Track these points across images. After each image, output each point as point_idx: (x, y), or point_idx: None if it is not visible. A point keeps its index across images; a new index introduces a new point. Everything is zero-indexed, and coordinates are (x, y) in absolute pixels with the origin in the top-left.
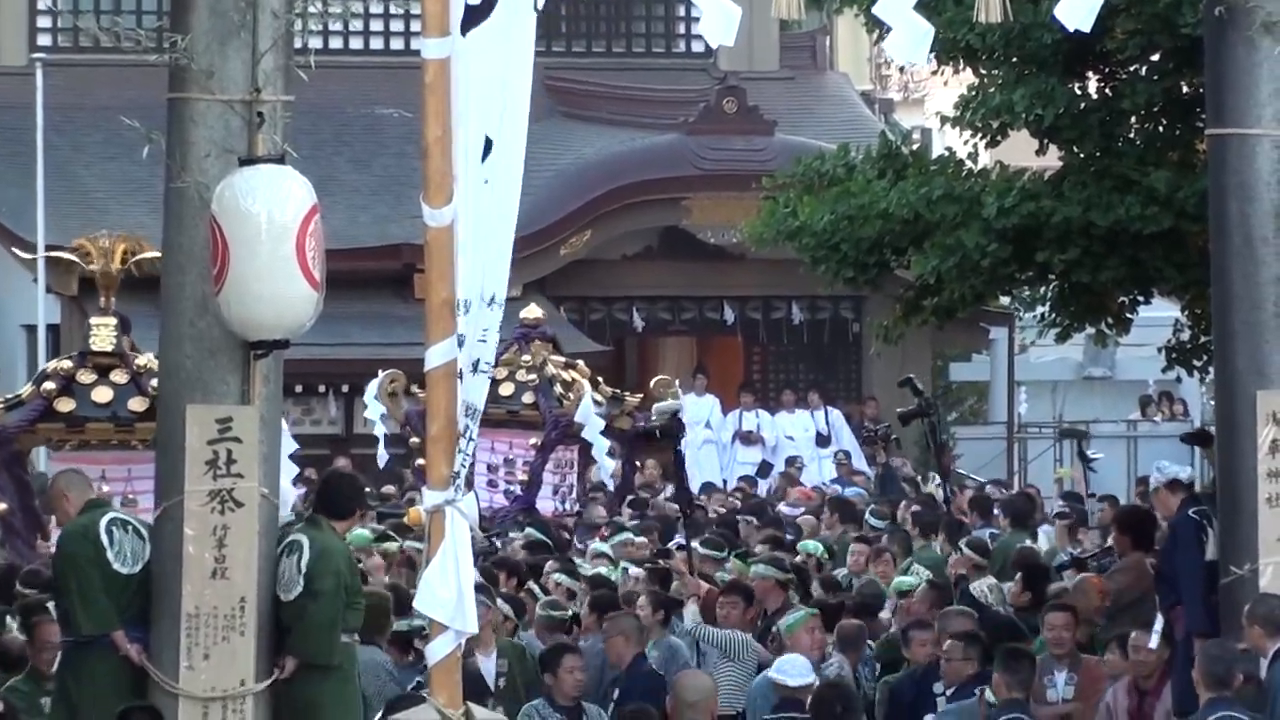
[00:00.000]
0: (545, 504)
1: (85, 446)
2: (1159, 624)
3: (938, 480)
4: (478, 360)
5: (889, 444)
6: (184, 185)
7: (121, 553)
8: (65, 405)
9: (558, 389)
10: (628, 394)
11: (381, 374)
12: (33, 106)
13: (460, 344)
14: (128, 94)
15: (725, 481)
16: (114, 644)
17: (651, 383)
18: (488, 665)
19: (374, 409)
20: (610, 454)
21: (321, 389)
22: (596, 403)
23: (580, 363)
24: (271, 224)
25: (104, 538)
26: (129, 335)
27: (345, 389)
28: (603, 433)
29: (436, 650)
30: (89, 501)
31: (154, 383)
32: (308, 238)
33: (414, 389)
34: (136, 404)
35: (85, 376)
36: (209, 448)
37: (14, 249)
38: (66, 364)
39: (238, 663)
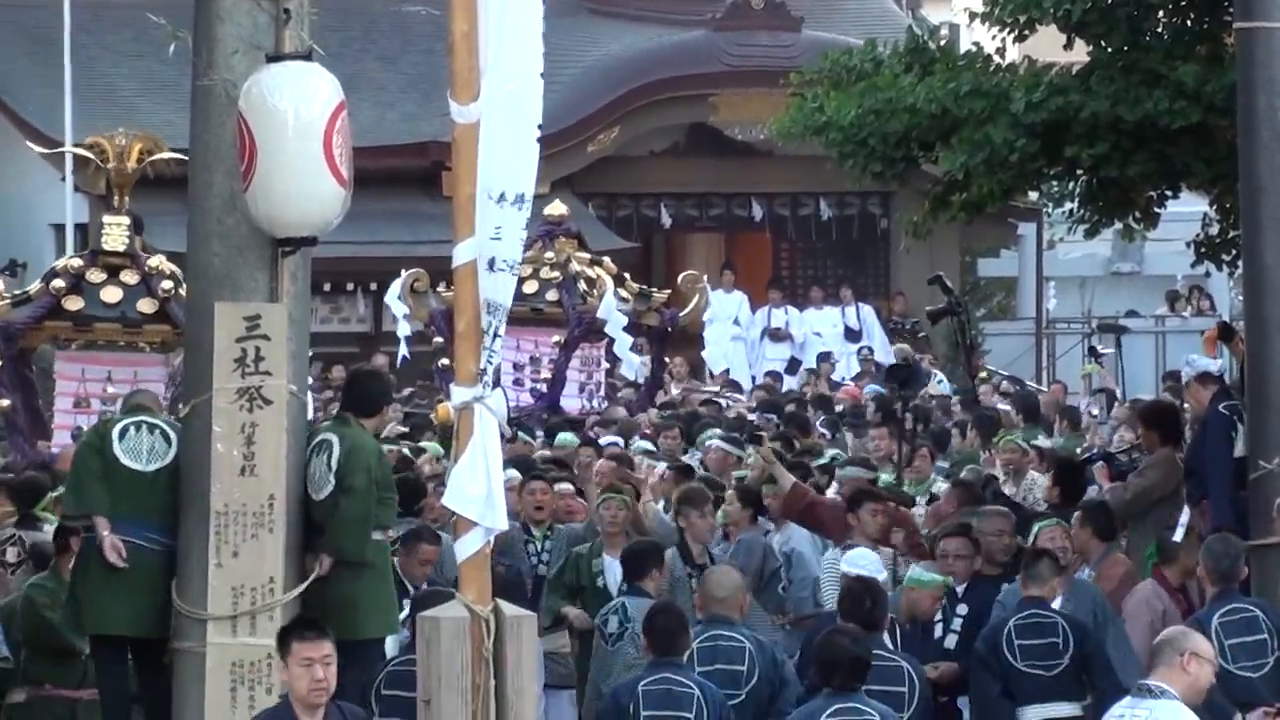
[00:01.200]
0: (572, 402)
1: (92, 346)
2: (1184, 517)
3: (940, 378)
4: (493, 258)
5: (917, 339)
6: (211, 83)
7: (135, 449)
8: (74, 304)
9: (581, 286)
10: (655, 290)
11: (405, 273)
12: (59, 4)
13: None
14: None
15: (753, 378)
16: (95, 528)
17: (679, 279)
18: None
19: (396, 308)
20: (634, 350)
21: (350, 287)
22: (622, 299)
23: (606, 259)
24: (299, 121)
25: (115, 433)
26: (142, 235)
27: (373, 287)
28: (629, 329)
29: (466, 546)
30: (132, 405)
31: (164, 284)
32: (335, 135)
33: (438, 288)
34: (145, 305)
35: (95, 275)
36: (237, 345)
37: (29, 142)
38: (76, 262)
39: (266, 560)
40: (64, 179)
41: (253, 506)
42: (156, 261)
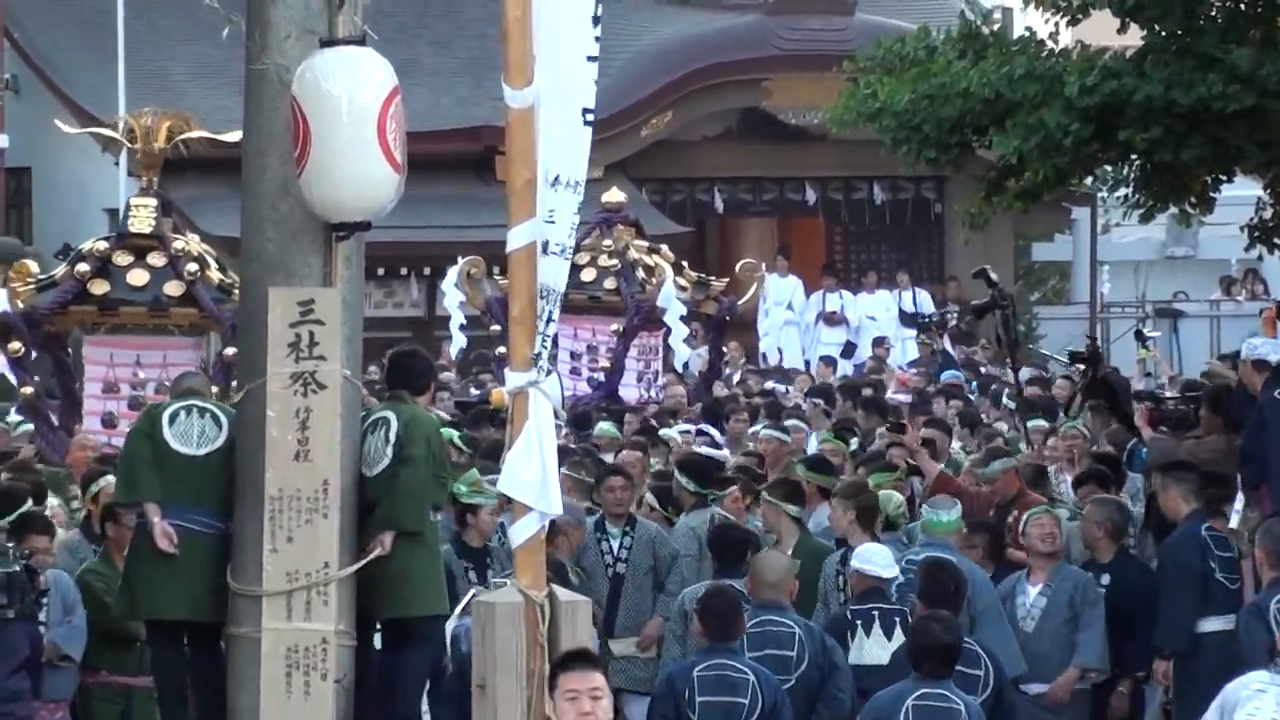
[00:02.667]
0: (629, 391)
1: (120, 330)
2: (1238, 503)
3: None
4: (546, 241)
5: (945, 331)
6: (264, 67)
7: (186, 433)
8: (99, 288)
9: (640, 274)
10: (713, 278)
11: (461, 260)
12: None
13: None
14: None
15: (807, 363)
16: (145, 514)
17: (737, 267)
18: None
19: (452, 296)
20: (688, 341)
21: (403, 271)
22: (680, 288)
23: (664, 247)
24: (352, 105)
25: (165, 416)
26: (171, 217)
27: (427, 271)
28: (685, 318)
29: (520, 532)
30: (182, 390)
31: (189, 267)
32: (389, 119)
33: (494, 275)
34: (173, 288)
35: (121, 258)
36: (291, 330)
37: (57, 121)
38: (102, 245)
39: (320, 545)
40: (117, 163)
41: (307, 491)
42: (183, 243)
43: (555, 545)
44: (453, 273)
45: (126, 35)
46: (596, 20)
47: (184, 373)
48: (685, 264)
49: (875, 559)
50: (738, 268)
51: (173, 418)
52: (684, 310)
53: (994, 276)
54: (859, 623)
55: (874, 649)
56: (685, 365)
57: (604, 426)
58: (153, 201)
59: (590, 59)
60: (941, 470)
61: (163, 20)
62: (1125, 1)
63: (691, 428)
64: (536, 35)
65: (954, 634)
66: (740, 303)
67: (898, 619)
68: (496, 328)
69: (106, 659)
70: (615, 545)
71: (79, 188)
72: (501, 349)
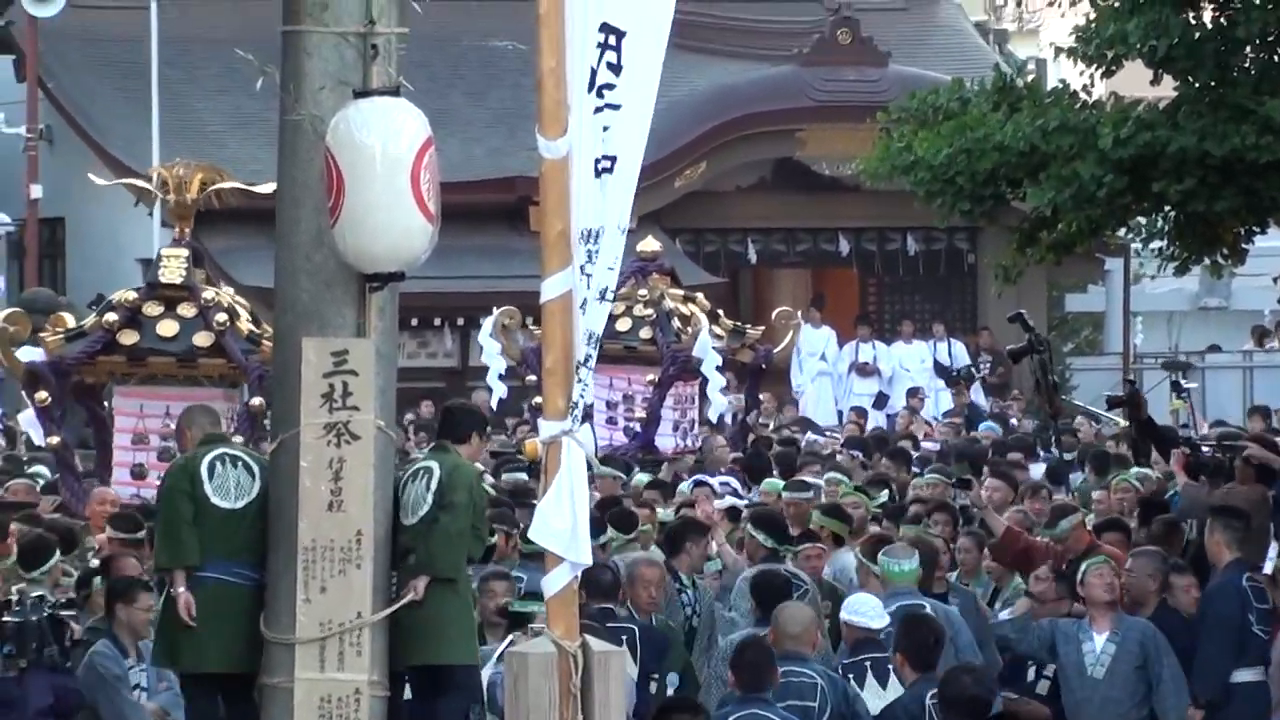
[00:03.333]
0: (666, 441)
1: (150, 381)
2: (1274, 550)
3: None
4: (605, 289)
5: (972, 383)
6: (298, 118)
7: (223, 487)
8: (129, 338)
9: (675, 323)
10: (749, 327)
11: (496, 311)
12: (147, 39)
13: (582, 273)
14: (241, 26)
15: (840, 414)
16: (170, 580)
17: (773, 315)
18: None
19: (489, 347)
20: (723, 390)
21: (437, 322)
22: (716, 336)
23: (699, 296)
24: (386, 156)
25: (204, 470)
26: (203, 268)
27: (460, 322)
28: (720, 368)
29: (552, 583)
30: (207, 436)
31: (219, 318)
32: (423, 170)
33: (529, 325)
34: (201, 339)
35: (152, 309)
36: (324, 380)
37: (90, 174)
38: (130, 295)
39: (354, 595)
40: (151, 214)
41: (340, 542)
42: (212, 294)
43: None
44: (488, 324)
45: (161, 86)
46: (594, 74)
47: (190, 408)
48: (721, 312)
49: (865, 610)
50: (773, 315)
51: (211, 471)
52: (719, 360)
53: (1030, 321)
54: (851, 676)
55: (871, 699)
56: (720, 416)
57: (641, 478)
58: (184, 252)
59: (596, 111)
60: (1009, 527)
61: (197, 71)
62: (1158, 53)
63: (728, 479)
64: (570, 86)
65: (983, 687)
66: (776, 351)
67: (891, 668)
68: (533, 378)
69: None
70: (691, 598)
71: (112, 238)
72: (539, 399)
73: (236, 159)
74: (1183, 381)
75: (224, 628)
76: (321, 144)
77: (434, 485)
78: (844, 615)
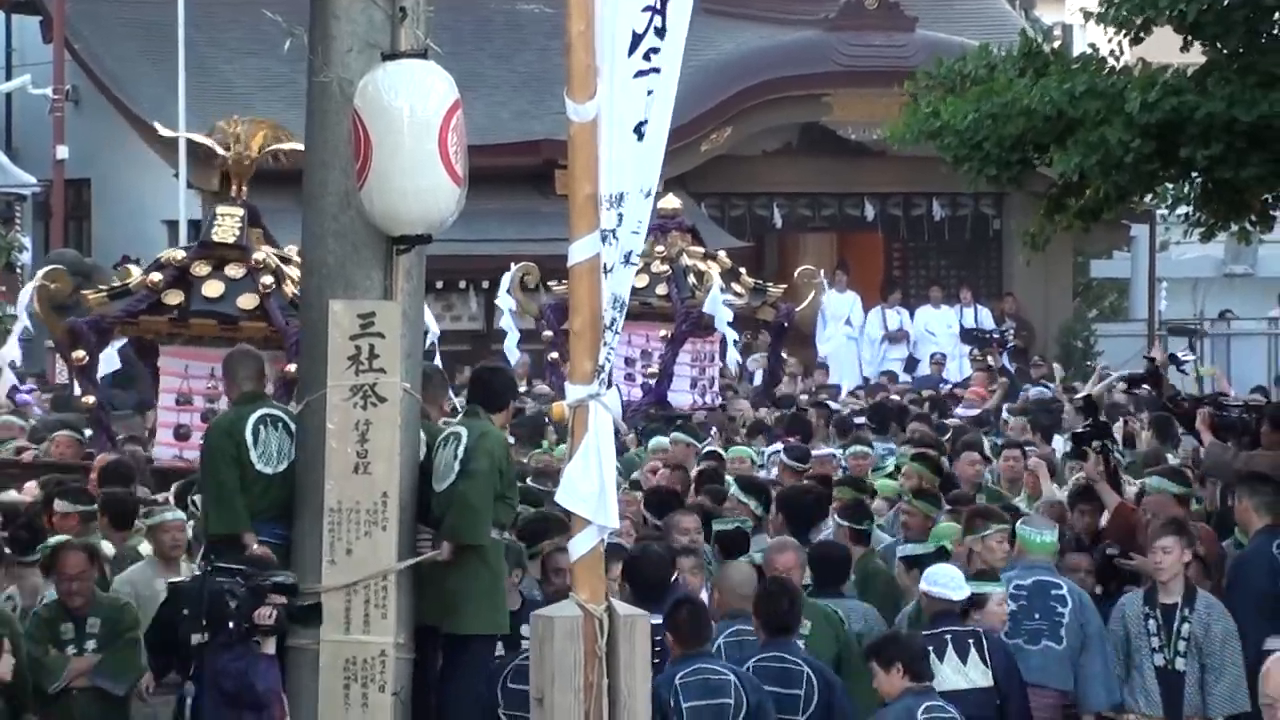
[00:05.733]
0: (683, 397)
1: (196, 341)
2: None
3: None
4: (629, 253)
5: (1004, 349)
6: (326, 80)
7: (267, 452)
8: (174, 298)
9: (691, 280)
10: (770, 285)
11: (514, 267)
12: (174, 1)
13: (611, 237)
14: None
15: (865, 379)
16: (243, 544)
17: (796, 273)
18: None
19: (505, 302)
20: (736, 345)
21: (462, 285)
22: (736, 294)
23: (721, 254)
24: (414, 119)
25: (249, 436)
26: (259, 227)
27: (485, 285)
28: (736, 324)
29: (579, 546)
30: (246, 393)
31: (265, 280)
32: (450, 133)
33: (550, 283)
34: (246, 301)
35: (200, 269)
36: (351, 343)
37: (157, 127)
38: (179, 255)
39: (380, 557)
40: (176, 175)
41: (366, 504)
42: (262, 255)
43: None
44: (506, 278)
45: (188, 47)
46: (638, 38)
47: (233, 356)
48: (743, 270)
49: (945, 580)
50: (796, 274)
51: (255, 436)
52: (731, 316)
53: (1095, 400)
54: (931, 648)
55: (949, 673)
56: (742, 369)
57: (658, 440)
58: (240, 211)
59: (639, 74)
60: (1121, 501)
61: (224, 33)
62: (1187, 18)
63: (778, 447)
64: (599, 50)
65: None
66: (798, 309)
67: (971, 641)
68: (549, 334)
69: (39, 711)
70: None
71: (138, 199)
72: (554, 355)
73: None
74: (1181, 355)
75: None
76: (349, 106)
77: (460, 453)
78: (923, 585)
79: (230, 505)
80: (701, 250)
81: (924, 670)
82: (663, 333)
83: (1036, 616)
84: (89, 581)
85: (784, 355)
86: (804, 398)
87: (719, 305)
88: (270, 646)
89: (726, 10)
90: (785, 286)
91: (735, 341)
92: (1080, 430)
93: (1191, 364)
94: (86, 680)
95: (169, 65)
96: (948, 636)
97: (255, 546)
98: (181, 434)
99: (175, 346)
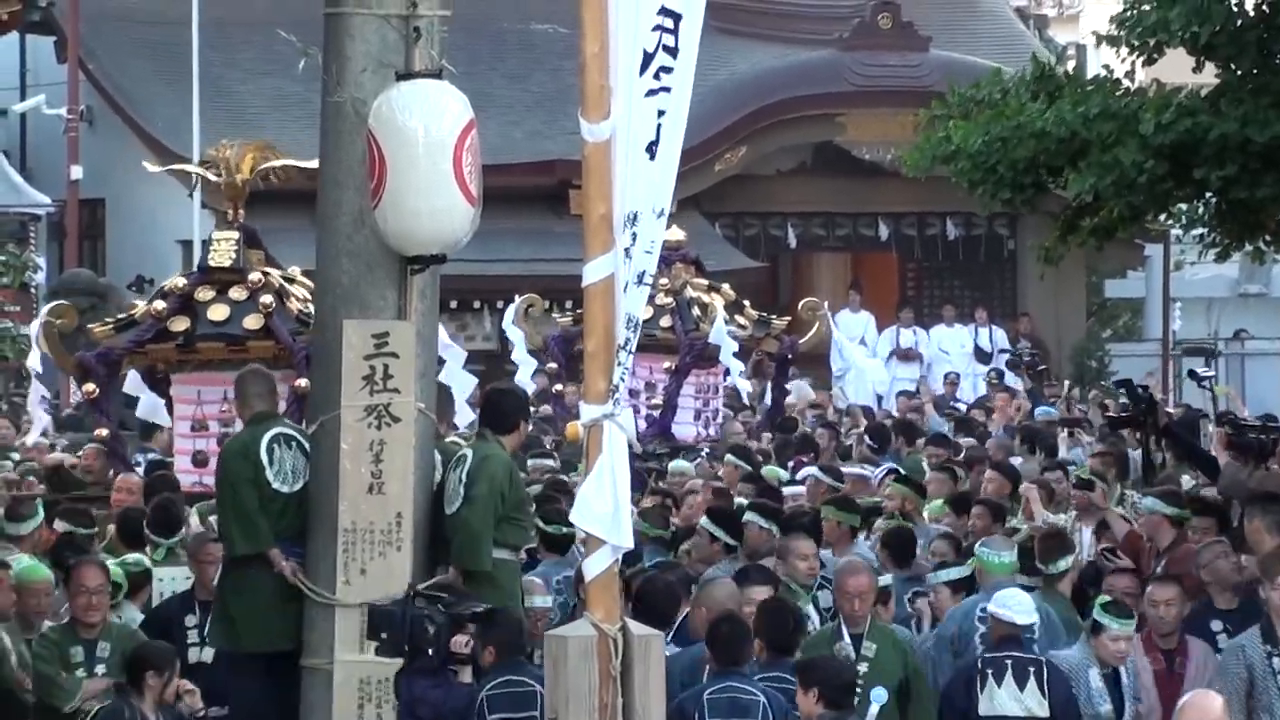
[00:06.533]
0: (687, 429)
1: (206, 366)
2: None
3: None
4: (643, 273)
5: (1035, 372)
6: (340, 100)
7: (282, 471)
8: (180, 324)
9: (695, 311)
10: (774, 316)
11: (518, 298)
12: (188, 21)
13: (625, 256)
14: (283, 8)
15: (880, 398)
16: (269, 560)
17: (800, 305)
18: None
19: (512, 334)
20: (744, 375)
21: (476, 305)
22: (740, 325)
23: (725, 286)
24: (429, 139)
25: (264, 456)
26: (259, 248)
27: (500, 305)
28: (741, 355)
29: (593, 566)
30: (258, 414)
31: (264, 299)
32: (465, 152)
33: (552, 311)
34: (251, 321)
35: (203, 294)
36: (365, 363)
37: (145, 162)
38: (180, 282)
39: (394, 578)
40: (191, 195)
41: (380, 524)
42: (258, 276)
43: None
44: (510, 310)
45: (202, 68)
46: (649, 57)
47: (243, 376)
48: (746, 303)
49: (1014, 605)
50: (800, 306)
51: (270, 456)
52: (736, 347)
53: (1140, 386)
54: (990, 671)
55: (1005, 699)
56: (758, 404)
57: (679, 464)
58: (234, 235)
59: (650, 94)
60: (1132, 530)
61: (239, 53)
62: (1200, 40)
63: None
64: (612, 70)
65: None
66: (802, 341)
67: (1032, 669)
68: (553, 365)
69: None
70: None
71: (152, 219)
72: (559, 385)
73: (277, 141)
74: (1200, 370)
75: (286, 606)
76: (363, 126)
77: (464, 477)
78: (991, 608)
79: (253, 524)
80: (705, 282)
81: (843, 700)
82: (667, 364)
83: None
84: (106, 597)
85: (787, 387)
86: (811, 418)
87: (724, 336)
88: (466, 675)
89: (740, 30)
90: (789, 319)
91: (742, 373)
92: (1119, 415)
93: (1210, 381)
94: (98, 703)
95: (183, 85)
96: (1008, 661)
97: (285, 564)
98: (199, 460)
99: (186, 373)
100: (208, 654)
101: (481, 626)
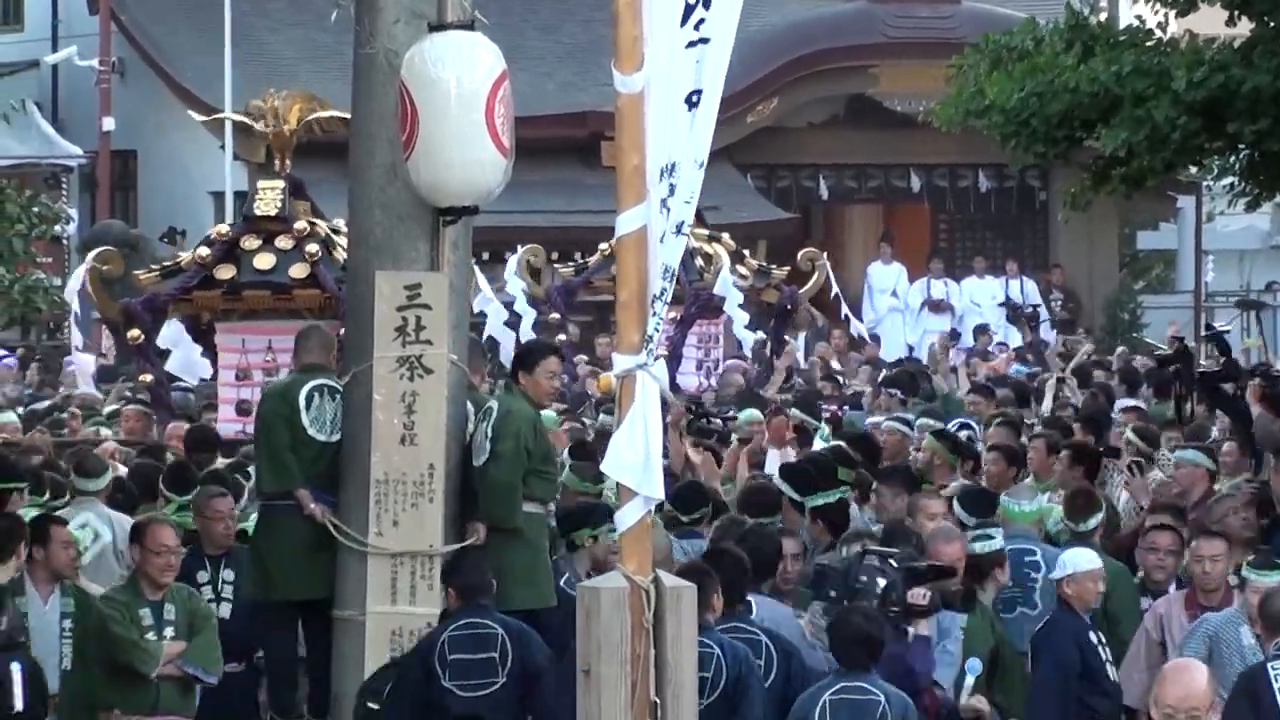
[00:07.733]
0: (689, 379)
1: (252, 316)
2: None
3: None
4: (681, 223)
5: (1036, 322)
6: (373, 52)
7: (320, 419)
8: (225, 272)
9: (698, 262)
10: (774, 267)
11: (520, 249)
12: None
13: (663, 206)
14: None
15: (911, 348)
16: (298, 501)
17: (799, 255)
18: None
19: (514, 284)
20: (749, 327)
21: (507, 256)
22: (741, 276)
23: (725, 236)
24: (461, 90)
25: (301, 400)
26: (306, 199)
27: None
28: (744, 305)
29: (625, 517)
30: (308, 364)
31: (310, 248)
32: (497, 104)
33: (554, 263)
34: (297, 270)
35: (249, 242)
36: (398, 314)
37: (190, 111)
38: (224, 229)
39: (426, 529)
40: (223, 147)
41: (413, 475)
42: (304, 224)
43: None
44: (512, 261)
45: (234, 19)
46: (690, 9)
47: (304, 331)
48: (746, 253)
49: (1078, 561)
50: (799, 256)
51: (308, 401)
52: (741, 298)
53: (1226, 341)
54: None
55: None
56: (752, 348)
57: (750, 413)
58: (279, 184)
59: (690, 45)
60: (1164, 480)
61: (270, 4)
62: None
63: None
64: (648, 20)
65: (875, 626)
66: (802, 291)
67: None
68: (556, 316)
69: (120, 698)
70: None
71: (184, 171)
72: (562, 336)
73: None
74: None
75: (321, 555)
76: (396, 78)
77: (489, 431)
78: (1059, 571)
79: (281, 462)
80: (705, 232)
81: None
82: (672, 315)
83: (1011, 584)
84: (180, 557)
85: (785, 338)
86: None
87: (729, 286)
88: (925, 628)
89: None
90: (789, 269)
91: (748, 325)
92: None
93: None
94: (174, 668)
95: (215, 37)
96: None
97: (313, 505)
98: (243, 409)
99: (231, 323)
100: (224, 610)
101: (445, 572)
